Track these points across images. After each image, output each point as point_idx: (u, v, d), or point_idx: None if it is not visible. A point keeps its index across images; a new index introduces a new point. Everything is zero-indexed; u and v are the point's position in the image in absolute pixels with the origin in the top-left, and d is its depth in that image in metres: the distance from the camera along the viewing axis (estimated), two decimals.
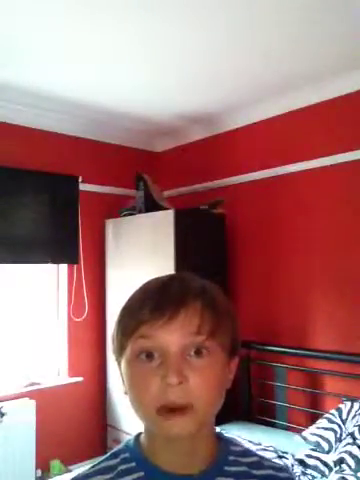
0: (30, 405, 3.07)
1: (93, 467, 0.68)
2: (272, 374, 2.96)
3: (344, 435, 2.31)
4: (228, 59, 2.58)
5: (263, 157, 3.25)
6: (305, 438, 2.41)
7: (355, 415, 2.37)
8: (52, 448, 3.23)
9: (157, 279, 0.69)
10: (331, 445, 2.30)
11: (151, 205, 3.28)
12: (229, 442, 0.71)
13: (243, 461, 0.68)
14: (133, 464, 0.65)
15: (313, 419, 2.69)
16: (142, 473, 0.64)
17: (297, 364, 2.90)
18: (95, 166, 3.64)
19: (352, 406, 2.42)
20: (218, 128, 3.55)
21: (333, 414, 2.45)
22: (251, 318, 3.18)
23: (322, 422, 2.45)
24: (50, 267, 3.46)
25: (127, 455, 0.67)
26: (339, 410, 2.45)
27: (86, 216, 3.52)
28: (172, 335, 0.61)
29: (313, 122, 2.97)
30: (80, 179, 3.47)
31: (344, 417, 2.39)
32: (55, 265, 3.48)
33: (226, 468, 0.66)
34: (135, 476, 0.64)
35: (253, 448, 0.70)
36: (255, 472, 0.67)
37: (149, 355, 0.61)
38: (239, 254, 3.39)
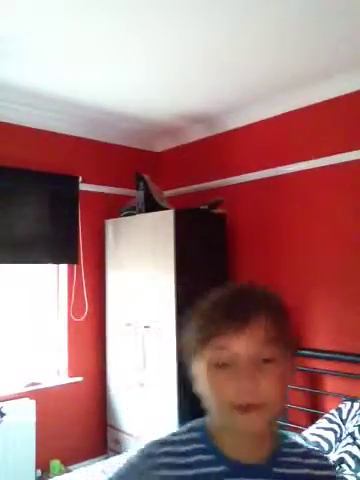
0: (30, 405, 3.07)
1: (168, 437, 0.78)
2: None
3: (344, 435, 2.31)
4: (228, 59, 2.58)
5: (263, 157, 3.25)
6: (305, 438, 2.41)
7: (355, 415, 2.37)
8: (52, 448, 3.23)
9: (227, 290, 0.78)
10: (331, 445, 2.30)
11: (151, 205, 3.28)
12: (284, 436, 0.81)
13: (294, 452, 0.78)
14: (203, 445, 0.75)
15: (313, 419, 2.69)
16: (211, 456, 0.74)
17: (297, 364, 2.90)
18: (95, 166, 3.64)
19: (352, 406, 2.42)
20: (218, 128, 3.55)
21: (333, 414, 2.45)
22: None
23: (322, 422, 2.45)
24: (50, 267, 3.46)
25: (198, 435, 0.77)
26: (339, 410, 2.45)
27: (86, 216, 3.52)
28: (243, 346, 0.70)
29: (313, 122, 2.97)
30: (80, 179, 3.47)
31: (344, 417, 2.39)
32: (55, 265, 3.48)
33: (281, 459, 0.76)
34: (205, 458, 0.74)
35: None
36: (305, 461, 0.77)
37: (224, 365, 0.71)
38: (239, 254, 3.39)
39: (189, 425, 0.80)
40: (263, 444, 0.76)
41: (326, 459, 0.82)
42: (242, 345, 0.70)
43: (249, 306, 0.73)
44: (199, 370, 0.75)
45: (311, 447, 0.87)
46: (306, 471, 0.76)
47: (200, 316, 0.76)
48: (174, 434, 0.79)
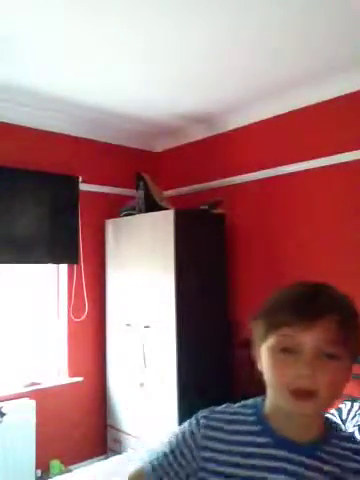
0: (30, 405, 3.07)
1: (222, 407, 0.87)
2: None
3: None
4: (228, 59, 2.58)
5: (263, 157, 3.25)
6: None
7: (355, 415, 2.37)
8: (52, 448, 3.23)
9: (305, 285, 0.83)
10: None
11: (151, 205, 3.28)
12: (335, 428, 0.85)
13: (344, 445, 0.81)
14: (253, 418, 0.82)
15: None
16: (259, 427, 0.81)
17: None
18: (95, 166, 3.64)
19: (352, 406, 2.42)
20: (218, 128, 3.55)
21: (333, 414, 2.45)
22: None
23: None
24: (50, 267, 3.46)
25: (253, 410, 0.84)
26: (339, 410, 2.45)
27: (86, 216, 3.52)
28: (310, 339, 0.74)
29: (313, 122, 2.97)
30: (80, 179, 3.47)
31: (344, 417, 2.40)
32: (55, 265, 3.48)
33: (327, 447, 0.79)
34: (253, 428, 0.81)
35: None
36: (355, 456, 0.79)
37: (288, 349, 0.75)
38: (239, 254, 3.39)
39: (243, 402, 0.87)
40: (311, 429, 0.80)
41: None
42: (308, 338, 0.74)
43: (321, 305, 0.77)
44: (264, 351, 0.80)
45: None
46: (354, 465, 0.78)
47: (275, 303, 0.81)
48: (228, 406, 0.87)
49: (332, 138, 2.85)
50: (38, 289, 3.44)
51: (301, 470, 0.76)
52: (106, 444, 3.57)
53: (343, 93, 2.80)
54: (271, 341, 0.78)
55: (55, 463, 3.19)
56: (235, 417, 0.83)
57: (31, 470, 3.01)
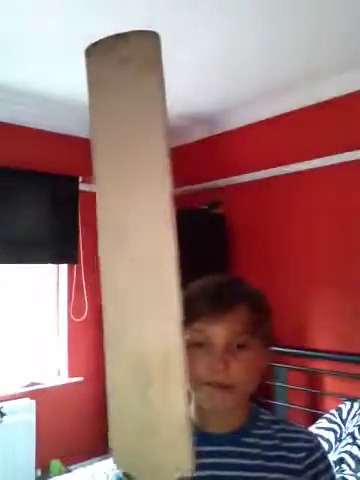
0: (30, 405, 3.07)
1: None
2: (272, 374, 2.96)
3: (344, 435, 2.31)
4: (228, 59, 2.58)
5: (263, 157, 3.25)
6: None
7: (355, 415, 2.37)
8: (52, 448, 3.23)
9: (211, 279, 0.83)
10: (331, 445, 2.30)
11: None
12: (259, 412, 0.85)
13: (271, 426, 0.82)
14: None
15: (313, 419, 2.68)
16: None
17: (297, 364, 2.90)
18: None
19: (352, 406, 2.42)
20: (218, 128, 3.55)
21: (333, 414, 2.45)
22: None
23: (322, 422, 2.45)
24: (50, 267, 3.46)
25: None
26: (339, 410, 2.45)
27: (86, 216, 3.52)
28: (220, 331, 0.75)
29: (313, 122, 2.96)
30: (80, 179, 3.47)
31: (344, 417, 2.39)
32: (55, 265, 3.48)
33: (253, 431, 0.80)
34: None
35: None
36: (280, 435, 0.80)
37: (199, 344, 0.76)
38: (239, 254, 3.39)
39: None
40: (233, 418, 0.80)
41: (306, 433, 0.84)
42: (218, 331, 0.75)
43: (230, 296, 0.78)
44: None
45: (296, 424, 0.88)
46: (276, 442, 0.79)
47: (185, 300, 0.79)
48: None
49: (332, 138, 2.85)
50: (38, 289, 3.44)
51: (226, 460, 0.77)
52: (106, 444, 3.55)
53: (343, 93, 2.79)
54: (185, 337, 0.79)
55: (55, 463, 3.19)
56: None
57: (31, 470, 3.01)
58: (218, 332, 0.75)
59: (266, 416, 0.85)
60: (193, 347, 0.76)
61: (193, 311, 0.76)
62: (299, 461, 0.78)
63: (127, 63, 0.56)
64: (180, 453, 0.55)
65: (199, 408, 0.80)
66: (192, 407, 0.81)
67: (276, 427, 0.82)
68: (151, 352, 0.55)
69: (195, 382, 0.75)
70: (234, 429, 0.80)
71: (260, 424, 0.82)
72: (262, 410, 0.87)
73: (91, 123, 0.57)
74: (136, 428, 0.55)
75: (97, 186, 0.57)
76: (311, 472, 0.78)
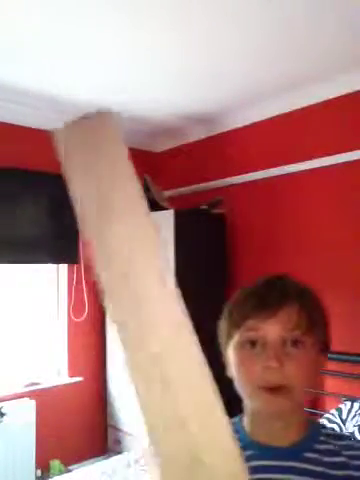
0: (30, 405, 3.07)
1: None
2: None
3: None
4: (228, 59, 2.58)
5: (263, 157, 3.25)
6: None
7: (355, 415, 2.37)
8: (52, 448, 3.23)
9: (263, 278, 0.81)
10: None
11: (151, 205, 3.26)
12: (320, 426, 0.82)
13: (334, 442, 0.76)
14: (236, 436, 0.78)
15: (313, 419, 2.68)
16: (241, 444, 0.75)
17: None
18: None
19: (352, 406, 2.42)
20: (218, 128, 3.55)
21: (333, 414, 2.45)
22: None
23: (322, 422, 2.45)
24: (50, 267, 3.46)
25: (233, 428, 0.80)
26: (339, 410, 2.45)
27: None
28: (273, 328, 0.72)
29: (313, 122, 2.97)
30: None
31: (344, 417, 2.39)
32: (55, 265, 3.48)
33: (315, 446, 0.75)
34: None
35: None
36: (347, 452, 0.74)
37: (253, 344, 0.74)
38: (239, 254, 3.39)
39: None
40: (293, 429, 0.76)
41: None
42: (271, 328, 0.73)
43: (282, 293, 0.76)
44: (230, 353, 0.78)
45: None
46: (342, 459, 0.74)
47: (235, 301, 0.80)
48: None
49: (332, 138, 2.85)
50: (38, 289, 3.44)
51: (287, 476, 0.72)
52: (106, 444, 3.57)
53: (343, 93, 2.79)
54: (236, 338, 0.76)
55: (55, 463, 3.19)
56: None
57: (31, 470, 3.01)
58: (272, 328, 0.73)
59: (328, 430, 0.81)
60: (246, 348, 0.74)
61: (244, 310, 0.76)
62: None
63: (89, 132, 0.67)
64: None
65: (256, 419, 0.78)
66: (248, 419, 0.79)
67: (341, 443, 0.76)
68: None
69: (249, 389, 0.73)
70: (294, 443, 0.75)
71: (322, 439, 0.77)
72: (322, 424, 0.83)
73: (72, 192, 0.67)
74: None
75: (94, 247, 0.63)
76: None
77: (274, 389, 0.70)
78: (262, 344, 0.73)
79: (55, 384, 3.34)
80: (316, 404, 2.83)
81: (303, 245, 3.00)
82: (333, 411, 2.47)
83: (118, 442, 3.44)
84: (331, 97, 2.85)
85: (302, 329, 0.73)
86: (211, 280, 3.23)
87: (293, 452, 0.74)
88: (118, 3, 2.03)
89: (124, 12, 2.10)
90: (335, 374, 2.72)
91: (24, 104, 3.13)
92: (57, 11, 2.10)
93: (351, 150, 2.74)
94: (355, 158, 2.73)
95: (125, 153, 0.65)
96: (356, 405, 2.42)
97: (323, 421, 2.45)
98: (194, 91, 3.03)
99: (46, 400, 3.23)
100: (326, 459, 0.73)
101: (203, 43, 2.40)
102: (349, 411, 2.41)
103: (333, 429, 0.83)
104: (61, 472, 3.06)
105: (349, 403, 2.45)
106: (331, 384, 2.76)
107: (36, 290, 3.43)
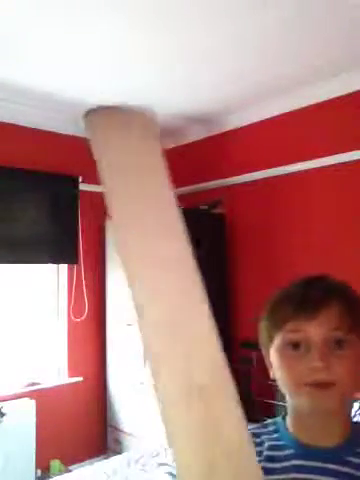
0: (30, 405, 3.07)
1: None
2: None
3: None
4: (228, 59, 2.58)
5: (263, 157, 3.25)
6: None
7: (355, 415, 2.37)
8: (52, 448, 3.23)
9: (302, 279, 0.79)
10: None
11: None
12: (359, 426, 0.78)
13: None
14: (277, 434, 0.78)
15: None
16: (282, 442, 0.76)
17: None
18: (95, 166, 3.56)
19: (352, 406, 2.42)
20: (218, 128, 3.55)
21: None
22: (251, 318, 3.18)
23: None
24: (50, 267, 3.46)
25: (274, 427, 0.80)
26: None
27: (86, 216, 3.52)
28: (316, 329, 0.71)
29: (313, 122, 2.97)
30: (80, 179, 3.47)
31: None
32: (55, 265, 3.48)
33: (356, 449, 0.72)
34: (276, 442, 0.76)
35: None
36: None
37: (296, 345, 0.72)
38: (239, 254, 3.39)
39: (263, 423, 0.83)
40: (336, 429, 0.74)
41: None
42: (314, 329, 0.71)
43: (323, 293, 0.74)
44: (273, 354, 0.76)
45: None
46: None
47: (275, 303, 0.79)
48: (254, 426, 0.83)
49: (332, 138, 2.85)
50: (38, 289, 3.44)
51: (327, 479, 0.69)
52: (106, 444, 3.57)
53: (343, 93, 2.80)
54: (278, 341, 0.75)
55: (55, 463, 3.19)
56: (259, 431, 0.80)
57: (31, 470, 3.01)
58: (315, 328, 0.71)
59: None
60: (289, 350, 0.73)
61: (285, 311, 0.74)
62: None
63: (129, 126, 0.63)
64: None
65: (299, 417, 0.76)
66: (291, 418, 0.78)
67: None
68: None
69: (294, 386, 0.72)
70: (337, 444, 0.73)
71: None
72: None
73: (104, 183, 0.63)
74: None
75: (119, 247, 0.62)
76: None
77: (321, 385, 0.69)
78: (306, 345, 0.71)
79: (55, 384, 3.34)
80: None
81: (303, 245, 3.00)
82: None
83: (118, 442, 3.44)
84: (331, 97, 2.86)
85: (345, 328, 0.71)
86: (211, 280, 3.23)
87: (334, 454, 0.72)
88: (117, 3, 2.03)
89: (123, 12, 2.10)
90: None
91: (24, 104, 3.13)
92: (57, 11, 2.10)
93: (351, 150, 2.74)
94: (355, 158, 2.73)
95: (162, 161, 0.62)
96: (356, 405, 2.42)
97: None
98: (194, 91, 3.03)
99: (46, 400, 3.23)
100: None
101: (203, 43, 2.40)
102: None
103: None
104: (61, 472, 3.06)
105: None
106: None
107: (36, 290, 3.43)
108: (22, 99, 3.08)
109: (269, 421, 0.82)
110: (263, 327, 0.80)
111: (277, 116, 3.17)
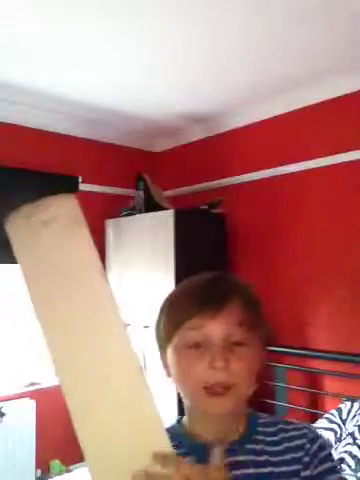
0: (30, 405, 3.07)
1: None
2: (272, 374, 2.96)
3: (344, 435, 2.31)
4: (228, 59, 2.58)
5: (263, 157, 3.25)
6: None
7: (355, 415, 2.37)
8: (52, 448, 3.23)
9: (202, 276, 0.79)
10: (331, 445, 2.30)
11: (151, 205, 3.28)
12: (257, 415, 0.81)
13: (270, 430, 0.77)
14: (174, 437, 0.74)
15: (313, 419, 2.69)
16: (176, 442, 0.72)
17: (297, 364, 2.90)
18: (95, 166, 3.64)
19: (352, 406, 2.42)
20: (218, 128, 3.55)
21: (333, 414, 2.45)
22: None
23: (322, 422, 2.45)
24: None
25: (172, 428, 0.79)
26: (339, 410, 2.45)
27: (86, 216, 3.48)
28: (217, 327, 0.71)
29: (313, 122, 2.97)
30: (80, 179, 3.47)
31: (344, 417, 2.39)
32: None
33: (255, 437, 0.76)
34: (174, 442, 0.73)
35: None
36: (282, 435, 0.76)
37: (196, 344, 0.71)
38: (239, 254, 3.39)
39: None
40: (235, 426, 0.76)
41: (305, 428, 0.78)
42: (215, 327, 0.71)
43: (224, 291, 0.75)
44: (171, 353, 0.75)
45: (292, 421, 0.83)
46: (285, 445, 0.75)
47: (173, 302, 0.78)
48: None
49: (332, 138, 2.85)
50: None
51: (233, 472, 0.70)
52: None
53: (343, 93, 2.80)
54: (178, 338, 0.74)
55: (55, 463, 3.19)
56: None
57: (31, 470, 3.01)
58: (215, 327, 0.71)
59: (263, 419, 0.81)
60: (189, 349, 0.72)
61: (187, 309, 0.73)
62: (306, 452, 0.74)
63: (50, 225, 0.67)
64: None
65: (200, 417, 0.76)
66: (191, 421, 0.78)
67: (275, 429, 0.78)
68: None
69: (193, 385, 0.71)
70: (237, 438, 0.75)
71: (260, 429, 0.78)
72: (258, 414, 0.83)
73: (27, 287, 0.66)
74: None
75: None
76: (316, 460, 0.74)
77: (216, 393, 0.69)
78: (206, 344, 0.71)
79: (55, 384, 3.33)
80: (316, 404, 2.83)
81: (303, 245, 3.00)
82: (333, 411, 2.47)
83: None
84: (331, 97, 2.86)
85: (246, 324, 0.72)
86: None
87: (236, 447, 0.74)
88: (117, 3, 2.03)
89: (123, 12, 2.10)
90: (335, 374, 2.72)
91: (24, 104, 3.13)
92: (57, 11, 2.10)
93: (351, 150, 2.74)
94: (355, 158, 2.73)
95: (89, 243, 0.69)
96: (356, 405, 2.42)
97: (323, 421, 2.46)
98: (194, 91, 3.03)
99: (46, 400, 3.23)
100: (267, 447, 0.74)
101: (203, 43, 2.40)
102: (349, 411, 2.41)
103: (267, 415, 0.83)
104: (61, 472, 3.06)
105: (349, 403, 2.45)
106: (331, 384, 2.76)
107: None
108: (22, 99, 3.08)
109: (169, 425, 0.81)
110: (161, 325, 0.79)
111: (277, 116, 3.16)
